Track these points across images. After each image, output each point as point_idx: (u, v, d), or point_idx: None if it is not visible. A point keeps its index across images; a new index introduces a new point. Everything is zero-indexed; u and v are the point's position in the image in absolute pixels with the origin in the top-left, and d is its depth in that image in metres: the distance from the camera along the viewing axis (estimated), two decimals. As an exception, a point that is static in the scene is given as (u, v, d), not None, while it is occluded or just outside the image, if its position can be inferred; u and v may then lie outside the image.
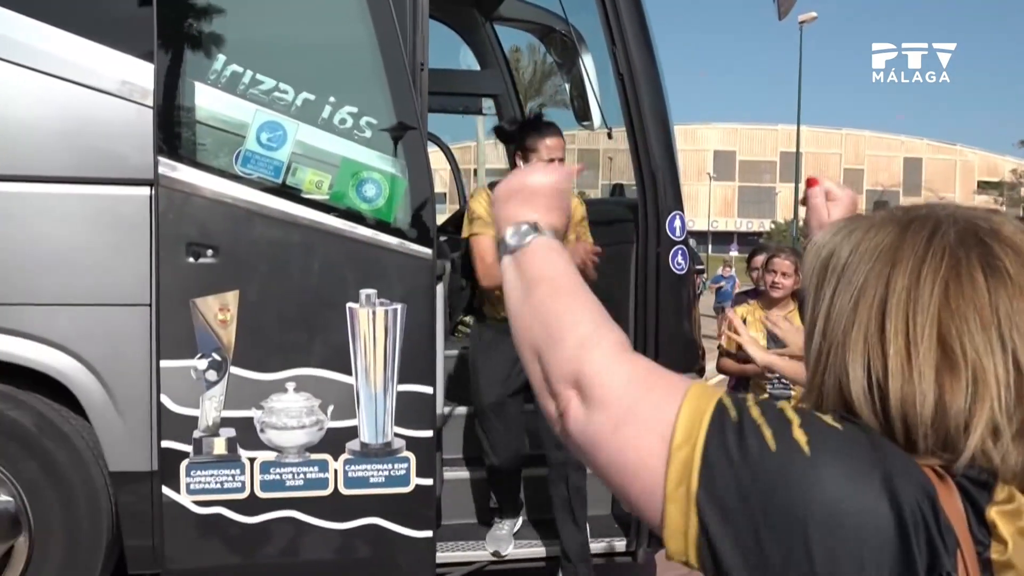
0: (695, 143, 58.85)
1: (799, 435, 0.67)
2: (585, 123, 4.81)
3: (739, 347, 3.64)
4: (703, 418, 0.69)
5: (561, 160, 3.05)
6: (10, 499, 2.90)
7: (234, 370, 2.90)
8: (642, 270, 3.41)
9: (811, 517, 0.63)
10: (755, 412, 0.70)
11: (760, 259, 4.78)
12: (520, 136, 3.08)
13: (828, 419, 0.70)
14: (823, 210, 1.23)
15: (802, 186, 1.34)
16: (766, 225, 53.58)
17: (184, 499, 2.91)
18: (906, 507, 0.63)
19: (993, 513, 0.67)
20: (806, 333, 0.82)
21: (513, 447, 3.27)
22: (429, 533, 3.08)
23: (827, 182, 1.24)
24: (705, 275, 21.05)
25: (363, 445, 3.01)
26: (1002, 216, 0.77)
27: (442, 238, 4.21)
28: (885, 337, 0.72)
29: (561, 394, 0.78)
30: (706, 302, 10.74)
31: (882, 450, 0.67)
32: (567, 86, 5.11)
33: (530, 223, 0.90)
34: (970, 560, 0.64)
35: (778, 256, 3.93)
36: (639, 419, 0.72)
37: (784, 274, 3.83)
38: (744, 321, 3.91)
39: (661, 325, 3.38)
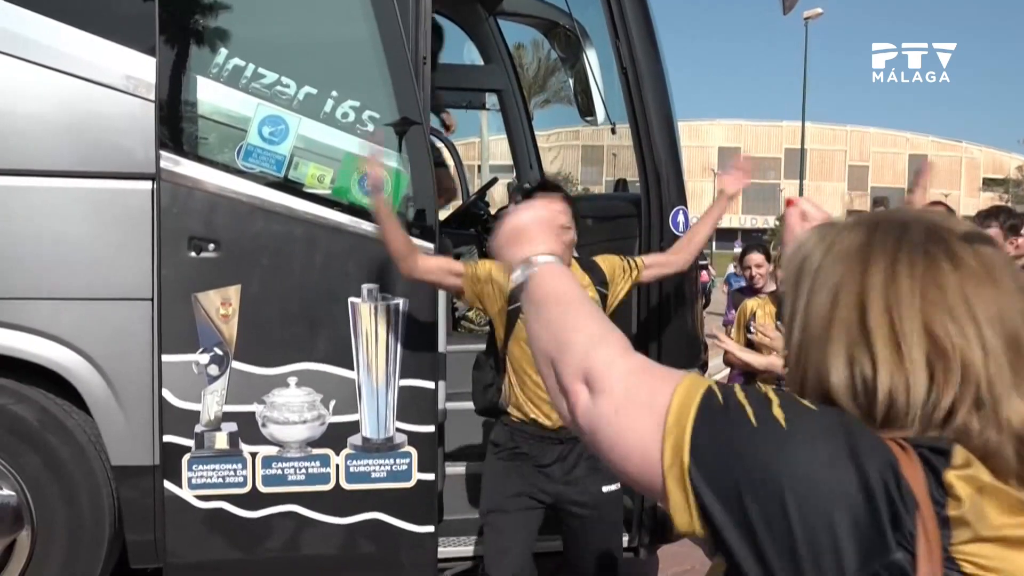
0: (699, 139, 58.60)
1: (778, 413, 0.75)
2: (589, 119, 4.80)
3: (747, 342, 3.65)
4: (693, 402, 0.77)
5: (566, 227, 2.79)
6: (12, 493, 2.91)
7: (236, 365, 2.90)
8: (645, 266, 3.40)
9: (787, 483, 0.71)
10: (740, 395, 0.77)
11: (753, 257, 4.85)
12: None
13: (804, 401, 0.78)
14: (797, 227, 1.35)
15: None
16: (770, 222, 53.43)
17: (186, 493, 2.91)
18: (871, 474, 0.71)
19: (951, 476, 0.73)
20: (785, 331, 0.89)
21: (506, 568, 2.83)
22: (431, 528, 3.08)
23: (804, 203, 1.33)
24: (712, 269, 21.10)
25: (365, 440, 3.01)
26: (956, 218, 0.87)
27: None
28: (867, 330, 0.79)
29: (571, 389, 0.87)
30: (718, 301, 10.75)
31: (850, 427, 0.75)
32: (571, 81, 5.09)
33: (527, 260, 0.99)
34: (929, 518, 0.71)
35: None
36: (636, 404, 0.80)
37: None
38: (754, 315, 3.93)
39: (664, 320, 3.38)
